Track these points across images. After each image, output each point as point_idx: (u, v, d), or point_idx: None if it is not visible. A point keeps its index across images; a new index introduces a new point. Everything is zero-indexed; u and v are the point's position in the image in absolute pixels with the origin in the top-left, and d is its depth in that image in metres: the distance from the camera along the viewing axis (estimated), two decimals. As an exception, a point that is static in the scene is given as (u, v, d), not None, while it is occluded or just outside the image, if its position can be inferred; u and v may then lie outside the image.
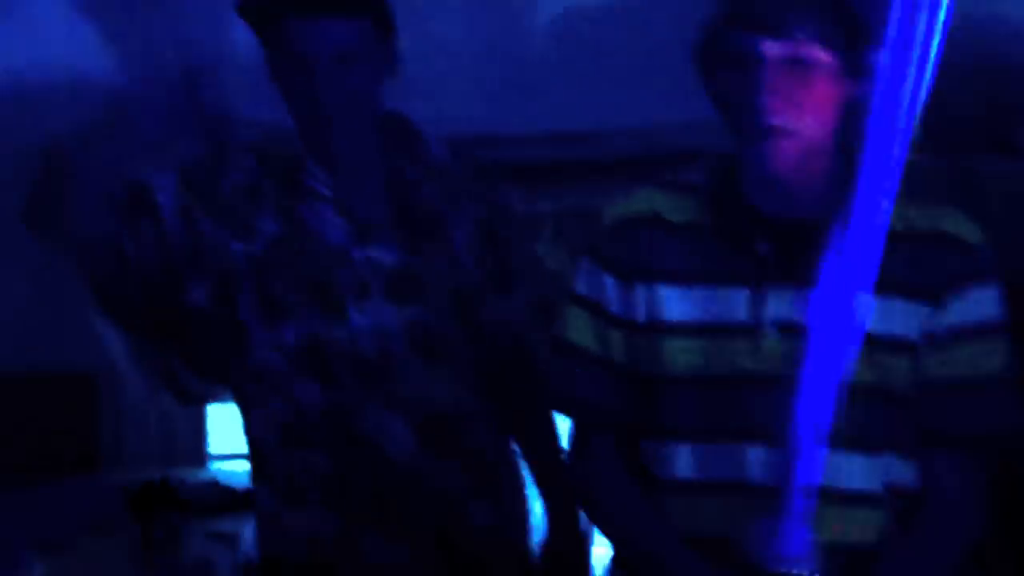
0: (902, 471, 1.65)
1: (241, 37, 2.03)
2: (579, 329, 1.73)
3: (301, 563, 1.99)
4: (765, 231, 1.63)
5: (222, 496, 2.72)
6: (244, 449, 3.23)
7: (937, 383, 1.63)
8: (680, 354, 1.66)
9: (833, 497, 1.58)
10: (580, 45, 2.62)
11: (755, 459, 1.61)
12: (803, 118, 1.58)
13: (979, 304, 1.63)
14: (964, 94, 2.46)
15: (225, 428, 3.17)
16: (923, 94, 1.42)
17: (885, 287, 1.59)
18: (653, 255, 1.68)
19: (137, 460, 2.95)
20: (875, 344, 1.59)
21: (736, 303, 1.64)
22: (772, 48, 1.55)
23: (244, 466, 3.16)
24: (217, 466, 3.09)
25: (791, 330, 1.60)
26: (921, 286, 1.61)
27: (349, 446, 1.95)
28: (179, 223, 1.94)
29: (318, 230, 1.95)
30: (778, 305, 1.62)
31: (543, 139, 2.68)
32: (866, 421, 1.61)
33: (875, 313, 1.59)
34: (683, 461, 1.66)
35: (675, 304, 1.66)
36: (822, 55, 1.57)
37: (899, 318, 1.61)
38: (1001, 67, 2.37)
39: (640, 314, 1.68)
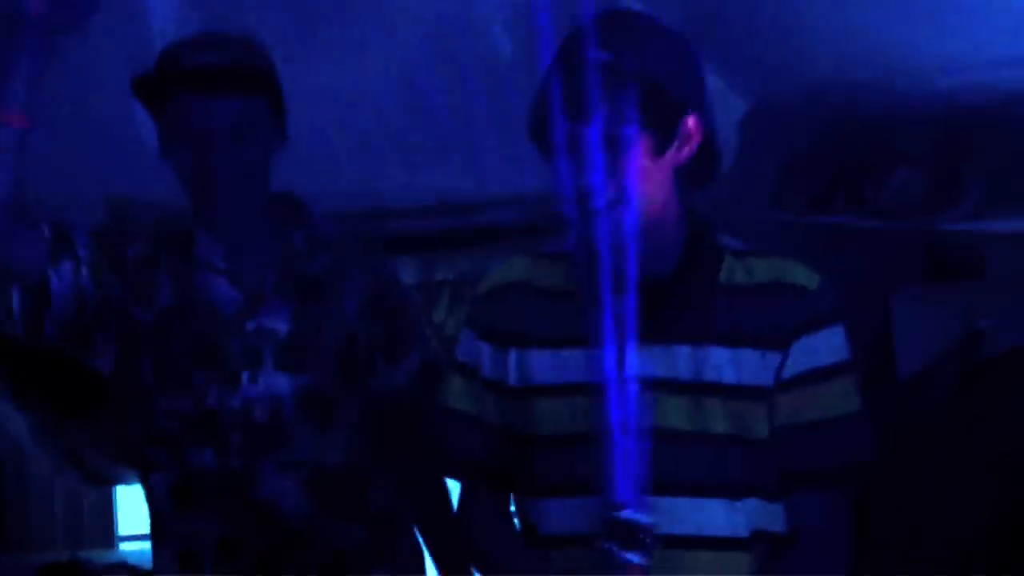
0: (768, 516, 1.71)
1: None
2: (457, 394, 1.80)
3: None
4: (621, 290, 1.69)
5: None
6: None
7: (792, 426, 1.70)
8: (547, 415, 1.72)
9: (701, 543, 1.65)
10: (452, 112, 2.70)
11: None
12: (627, 189, 1.65)
13: (824, 346, 1.70)
14: (823, 153, 2.59)
15: (135, 509, 3.18)
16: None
17: (735, 339, 1.69)
18: (523, 321, 1.75)
19: (42, 541, 2.95)
20: (731, 393, 1.68)
21: (597, 363, 1.69)
22: (585, 131, 1.63)
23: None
24: (126, 547, 3.09)
25: (651, 385, 1.68)
26: (768, 335, 1.69)
27: (244, 510, 1.99)
28: (93, 279, 1.97)
29: (211, 300, 2.00)
30: (639, 362, 1.69)
31: (433, 209, 2.76)
32: (727, 468, 1.68)
33: (728, 364, 1.68)
34: (555, 516, 1.72)
35: (543, 367, 1.74)
36: (632, 130, 1.64)
37: (751, 367, 1.69)
38: (854, 124, 2.49)
39: (513, 378, 1.75)
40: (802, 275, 1.73)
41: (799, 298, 1.71)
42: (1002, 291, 2.50)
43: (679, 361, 1.69)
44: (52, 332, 1.98)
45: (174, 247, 2.03)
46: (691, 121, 1.69)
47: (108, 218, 2.16)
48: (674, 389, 1.69)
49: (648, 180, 1.67)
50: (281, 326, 2.01)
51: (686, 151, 1.70)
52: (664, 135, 1.67)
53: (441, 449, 1.82)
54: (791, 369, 1.70)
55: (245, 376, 1.99)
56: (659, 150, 1.67)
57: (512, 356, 1.75)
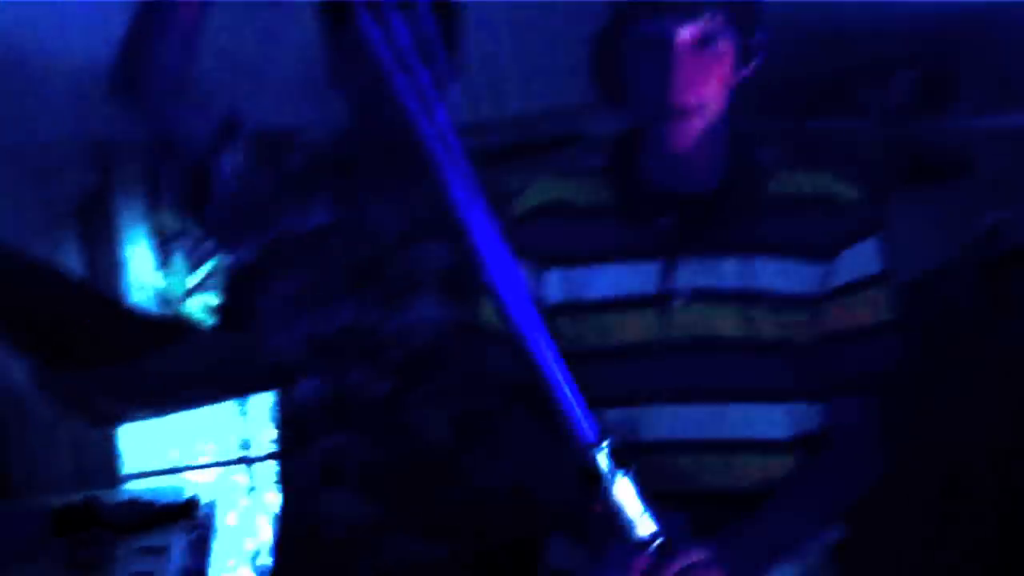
0: (810, 418, 1.77)
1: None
2: (492, 312, 1.78)
3: (328, 545, 2.01)
4: (665, 207, 1.75)
5: (143, 514, 2.74)
6: (157, 467, 3.30)
7: (836, 333, 1.75)
8: (593, 330, 1.76)
9: (749, 447, 1.71)
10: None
11: (684, 416, 1.72)
12: (708, 97, 1.70)
13: (867, 256, 1.76)
14: (809, 60, 2.62)
15: (137, 447, 3.19)
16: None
17: (783, 249, 1.73)
18: (562, 240, 1.77)
19: (49, 484, 2.95)
20: (779, 302, 1.72)
21: (645, 276, 1.75)
22: (683, 30, 1.66)
23: (158, 483, 3.22)
24: (131, 485, 3.10)
25: (698, 296, 1.73)
26: (815, 246, 1.74)
27: (390, 433, 1.97)
28: (248, 176, 1.98)
29: (374, 221, 1.99)
30: (683, 274, 1.73)
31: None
32: (775, 374, 1.74)
33: (776, 274, 1.72)
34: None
35: (587, 283, 1.76)
36: (726, 36, 1.69)
37: (798, 277, 1.73)
38: (842, 32, 2.52)
39: (553, 296, 1.77)
40: (844, 187, 1.78)
41: (843, 209, 1.75)
42: (992, 189, 2.56)
43: (727, 272, 1.73)
44: (211, 217, 1.99)
45: (338, 164, 2.01)
46: (761, 38, 1.73)
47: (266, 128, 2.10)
48: (723, 299, 1.73)
49: (724, 89, 1.71)
50: (443, 253, 1.99)
51: (750, 67, 1.74)
52: (746, 47, 1.72)
53: (475, 369, 1.83)
54: (837, 278, 1.75)
55: (403, 301, 1.98)
56: (741, 62, 1.71)
57: (554, 275, 1.78)
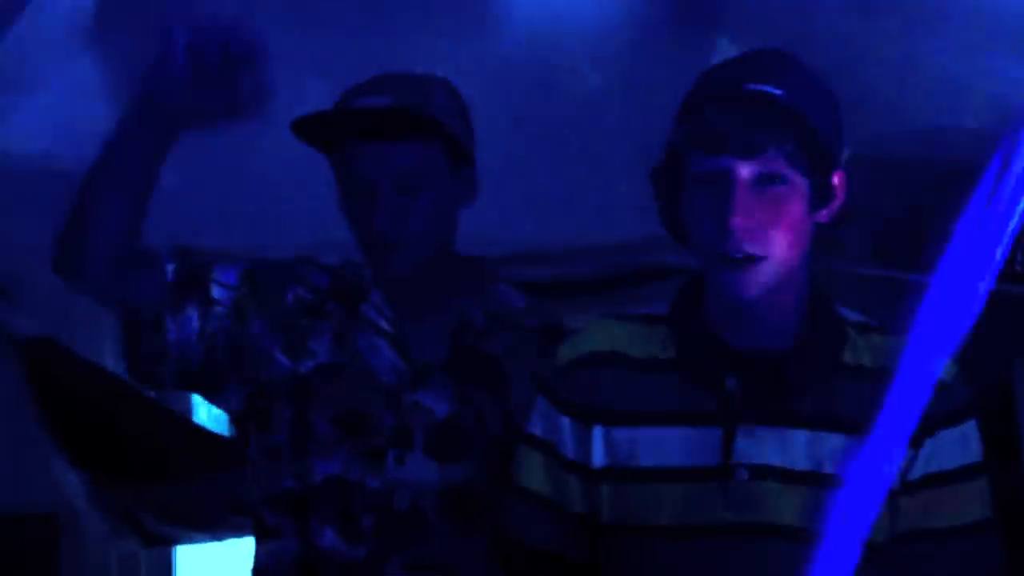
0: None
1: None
2: (531, 472, 1.61)
3: None
4: (732, 364, 1.53)
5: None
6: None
7: (915, 532, 1.51)
8: (639, 502, 1.54)
9: None
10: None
11: None
12: (774, 243, 1.49)
13: (957, 446, 1.52)
14: (935, 205, 2.38)
15: (195, 568, 3.05)
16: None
17: (859, 428, 1.48)
18: (613, 395, 1.57)
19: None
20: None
21: (704, 445, 1.53)
22: (743, 168, 1.47)
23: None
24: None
25: (764, 474, 1.50)
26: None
27: None
28: (228, 322, 1.83)
29: (371, 365, 1.82)
30: (749, 445, 1.51)
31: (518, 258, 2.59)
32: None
33: (843, 455, 1.48)
34: None
35: (637, 448, 1.55)
36: (793, 176, 1.49)
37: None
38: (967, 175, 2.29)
39: (597, 459, 1.57)
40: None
41: (934, 391, 1.52)
42: None
43: (796, 449, 1.50)
44: (171, 381, 1.84)
45: (342, 300, 1.85)
46: (838, 178, 1.54)
47: (272, 260, 1.96)
48: (789, 479, 1.50)
49: (793, 234, 1.50)
50: (440, 407, 1.81)
51: (828, 210, 1.54)
52: (819, 188, 1.51)
53: (510, 535, 1.63)
54: (920, 469, 1.51)
55: (391, 455, 1.79)
56: (814, 204, 1.51)
57: (598, 434, 1.56)
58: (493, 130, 1.99)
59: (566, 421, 1.59)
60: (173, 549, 2.92)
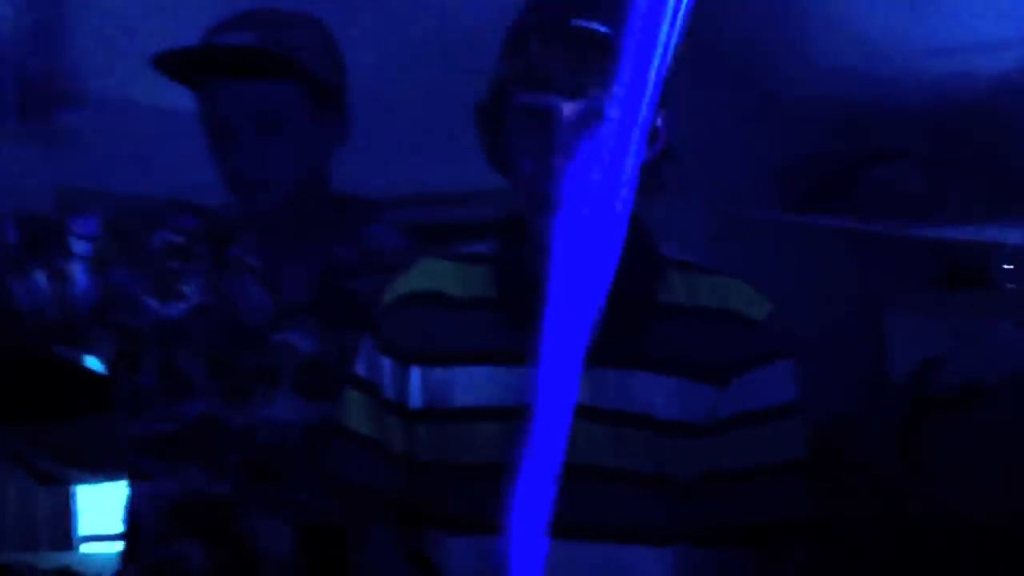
0: (696, 565, 1.51)
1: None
2: (354, 413, 1.61)
3: None
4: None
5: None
6: (114, 530, 3.15)
7: (724, 471, 1.50)
8: (453, 441, 1.53)
9: None
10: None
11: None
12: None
13: (769, 385, 1.50)
14: (819, 149, 2.37)
15: (96, 509, 3.06)
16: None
17: (669, 367, 1.48)
18: (430, 335, 1.55)
19: (-2, 543, 2.84)
20: (659, 428, 1.47)
21: (516, 384, 1.51)
22: (567, 107, 1.44)
23: (112, 548, 3.07)
24: (87, 548, 2.97)
25: (581, 413, 1.49)
26: (707, 366, 1.49)
27: (221, 542, 1.78)
28: (90, 276, 1.80)
29: (237, 304, 1.80)
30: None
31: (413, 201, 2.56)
32: (651, 511, 1.48)
33: (658, 395, 1.48)
34: (461, 555, 1.53)
35: (451, 388, 1.54)
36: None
37: (683, 401, 1.49)
38: (842, 117, 2.27)
39: (416, 399, 1.56)
40: (751, 301, 1.52)
41: (745, 329, 1.50)
42: (1008, 301, 2.25)
43: (603, 387, 1.49)
44: (31, 339, 1.86)
45: (212, 241, 1.83)
46: (662, 119, 1.50)
47: (137, 206, 1.94)
48: (595, 418, 1.49)
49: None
50: (307, 345, 1.79)
51: (655, 150, 1.51)
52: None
53: (330, 471, 1.63)
54: (729, 407, 1.49)
55: (258, 393, 1.78)
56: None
57: (415, 374, 1.55)
58: (391, 73, 1.96)
59: (387, 361, 1.58)
60: (72, 489, 2.93)
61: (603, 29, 1.45)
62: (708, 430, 1.49)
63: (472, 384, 1.53)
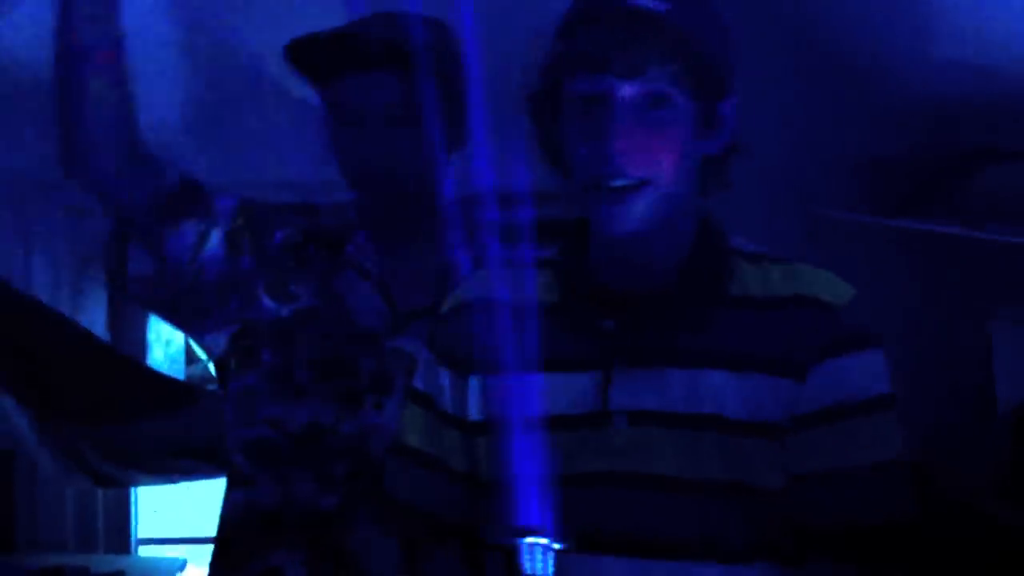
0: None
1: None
2: (414, 427, 1.51)
3: None
4: (611, 306, 1.40)
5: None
6: (174, 534, 3.08)
7: (810, 473, 1.36)
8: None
9: None
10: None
11: (613, 570, 1.37)
12: (656, 169, 1.35)
13: (854, 376, 1.36)
14: (917, 147, 2.21)
15: (155, 511, 2.99)
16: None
17: (742, 363, 1.35)
18: (490, 344, 1.44)
19: (53, 543, 2.78)
20: (734, 430, 1.35)
21: (582, 392, 1.40)
22: (624, 89, 1.33)
23: (172, 552, 3.00)
24: (143, 551, 2.90)
25: (643, 419, 1.37)
26: (780, 358, 1.36)
27: (327, 557, 1.72)
28: (222, 251, 1.78)
29: (352, 308, 1.77)
30: (626, 390, 1.38)
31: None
32: (728, 524, 1.35)
33: (732, 394, 1.35)
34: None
35: (513, 398, 1.42)
36: (678, 98, 1.35)
37: (760, 399, 1.35)
38: (952, 115, 2.10)
39: (475, 411, 1.45)
40: (829, 286, 1.39)
41: (823, 314, 1.37)
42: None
43: (674, 390, 1.37)
44: (163, 295, 1.80)
45: (327, 241, 1.80)
46: (730, 106, 1.39)
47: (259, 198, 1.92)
48: (666, 423, 1.37)
49: (680, 163, 1.36)
50: (420, 352, 1.73)
51: (720, 141, 1.40)
52: (707, 114, 1.37)
53: (389, 490, 1.52)
54: (811, 403, 1.36)
55: (369, 400, 1.74)
56: (700, 132, 1.37)
57: (474, 385, 1.45)
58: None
59: (445, 373, 1.48)
60: (133, 490, 2.86)
61: (660, 7, 1.34)
62: (787, 430, 1.36)
63: (533, 394, 1.42)
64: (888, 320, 1.43)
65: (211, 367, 2.77)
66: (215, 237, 1.78)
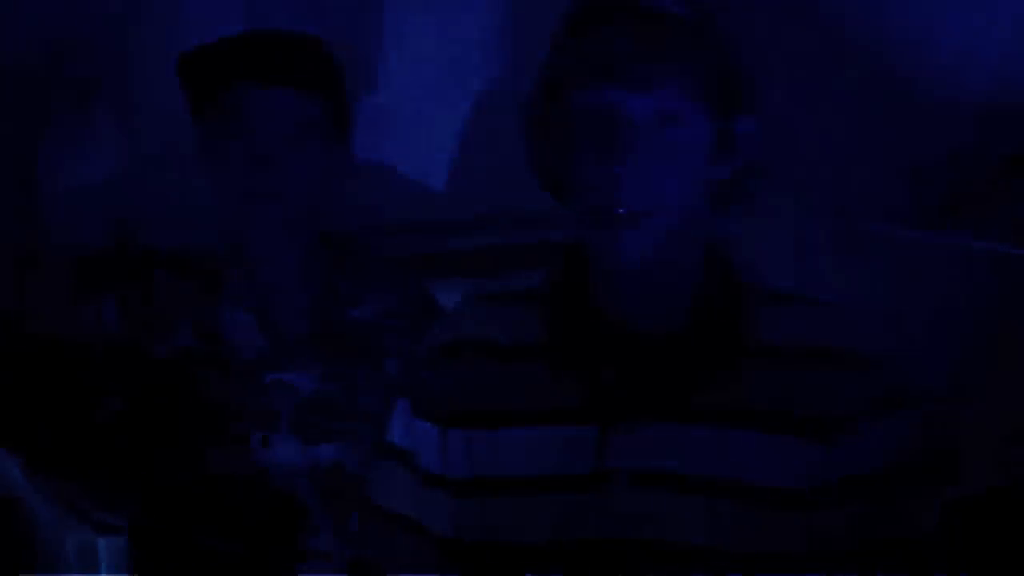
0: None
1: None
2: (390, 488, 1.35)
3: None
4: (611, 348, 1.24)
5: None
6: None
7: (842, 547, 1.21)
8: (509, 519, 1.26)
9: None
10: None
11: None
12: (667, 197, 1.20)
13: (885, 442, 1.21)
14: (961, 153, 2.04)
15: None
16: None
17: (766, 422, 1.20)
18: (473, 392, 1.29)
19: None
20: (757, 497, 1.19)
21: (576, 447, 1.24)
22: (635, 103, 1.17)
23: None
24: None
25: (649, 480, 1.21)
26: (806, 419, 1.20)
27: None
28: (119, 314, 1.74)
29: (232, 343, 1.69)
30: (628, 447, 1.22)
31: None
32: None
33: (754, 456, 1.20)
34: None
35: (499, 454, 1.27)
36: (694, 117, 1.19)
37: (786, 462, 1.20)
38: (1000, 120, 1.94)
39: (458, 468, 1.29)
40: (863, 336, 1.23)
41: (856, 370, 1.21)
42: None
43: (689, 449, 1.21)
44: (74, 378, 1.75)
45: (201, 276, 1.72)
46: (749, 125, 1.24)
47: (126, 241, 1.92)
48: (680, 487, 1.21)
49: (694, 191, 1.22)
50: (304, 383, 1.67)
51: (736, 164, 1.24)
52: (725, 132, 1.22)
53: (372, 565, 1.36)
54: (842, 468, 1.20)
55: (255, 439, 1.66)
56: (714, 155, 1.22)
57: (456, 439, 1.29)
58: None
59: (426, 426, 1.32)
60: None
61: (678, 10, 1.19)
62: (817, 497, 1.20)
63: (523, 449, 1.26)
64: (931, 338, 1.27)
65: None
66: (108, 306, 1.73)
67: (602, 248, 1.23)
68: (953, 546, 1.21)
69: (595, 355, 1.24)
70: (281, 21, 1.88)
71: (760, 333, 1.24)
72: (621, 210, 1.19)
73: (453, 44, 2.24)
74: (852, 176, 2.22)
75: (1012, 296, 2.01)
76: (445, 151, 2.28)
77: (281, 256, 1.71)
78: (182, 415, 1.67)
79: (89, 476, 2.45)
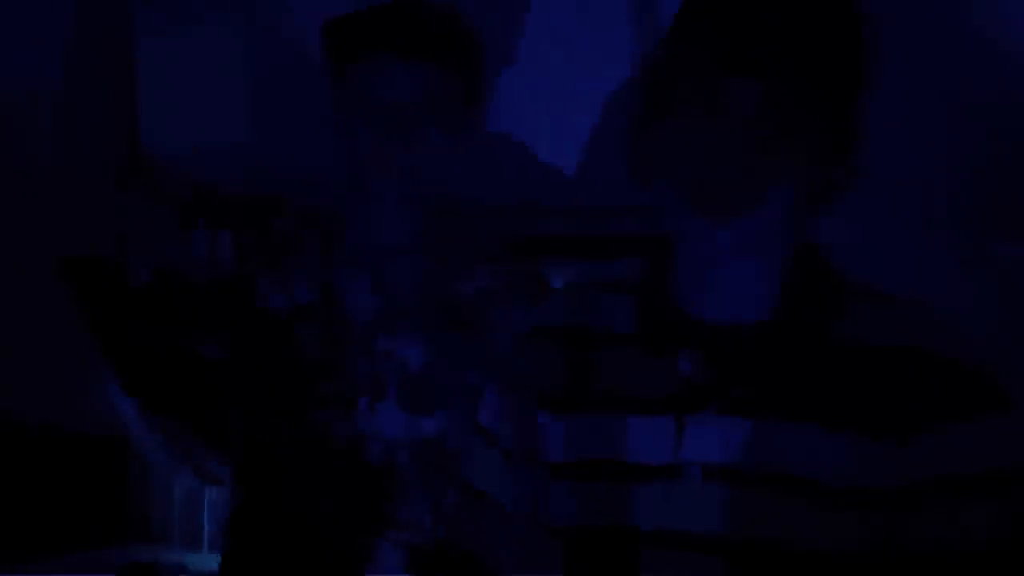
0: None
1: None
2: (477, 467, 1.38)
3: None
4: (692, 340, 1.23)
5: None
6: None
7: (910, 552, 1.18)
8: (588, 505, 1.27)
9: None
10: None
11: None
12: (772, 190, 1.18)
13: (967, 446, 1.17)
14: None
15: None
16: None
17: (839, 419, 1.18)
18: (568, 378, 1.30)
19: (162, 537, 2.75)
20: (823, 495, 1.17)
21: (655, 438, 1.24)
22: (744, 90, 1.16)
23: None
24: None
25: (721, 474, 1.20)
26: (886, 418, 1.18)
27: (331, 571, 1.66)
28: (235, 254, 1.75)
29: (346, 302, 1.71)
30: (704, 440, 1.22)
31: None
32: None
33: (823, 453, 1.18)
34: None
35: (584, 440, 1.28)
36: (805, 111, 1.17)
37: (856, 461, 1.18)
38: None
39: (552, 453, 1.31)
40: (953, 338, 1.20)
41: (942, 372, 1.18)
42: None
43: (756, 445, 1.20)
44: (182, 309, 1.77)
45: (322, 233, 1.74)
46: (858, 123, 1.22)
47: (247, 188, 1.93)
48: (744, 484, 1.20)
49: (796, 184, 1.20)
50: (415, 355, 1.68)
51: (825, 168, 1.22)
52: (832, 132, 1.21)
53: (466, 541, 1.38)
54: (916, 471, 1.17)
55: (363, 403, 1.68)
56: (829, 147, 1.21)
57: (549, 423, 1.30)
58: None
59: (512, 407, 1.34)
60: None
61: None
62: (886, 499, 1.17)
63: (605, 436, 1.26)
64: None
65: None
66: (224, 243, 1.73)
67: (694, 240, 1.22)
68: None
69: (679, 345, 1.25)
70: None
71: (849, 330, 1.22)
72: (726, 201, 1.18)
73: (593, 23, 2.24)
74: (980, 189, 2.16)
75: None
76: (578, 135, 2.29)
77: (400, 224, 1.72)
78: (288, 368, 1.69)
79: (196, 416, 2.53)
